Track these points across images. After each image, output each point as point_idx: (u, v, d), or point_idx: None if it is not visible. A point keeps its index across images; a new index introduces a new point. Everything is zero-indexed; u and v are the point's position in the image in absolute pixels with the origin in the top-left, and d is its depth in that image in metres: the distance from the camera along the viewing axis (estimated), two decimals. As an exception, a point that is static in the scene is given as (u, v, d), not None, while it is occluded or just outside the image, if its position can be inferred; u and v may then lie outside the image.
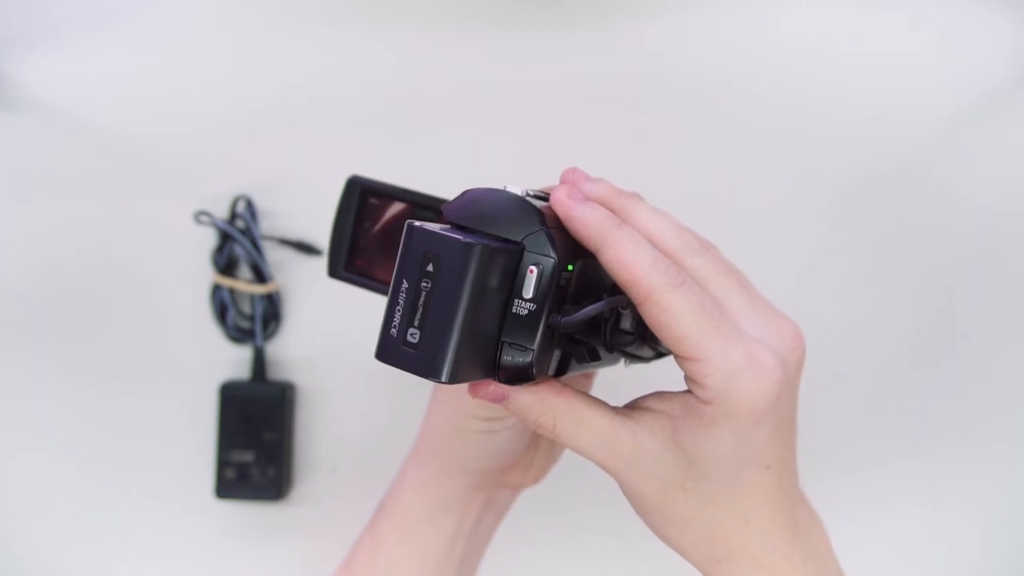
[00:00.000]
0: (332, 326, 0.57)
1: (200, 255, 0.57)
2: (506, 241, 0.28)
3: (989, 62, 0.58)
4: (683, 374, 0.30)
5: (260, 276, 0.56)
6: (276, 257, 0.57)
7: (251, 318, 0.57)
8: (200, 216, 0.56)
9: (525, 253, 0.28)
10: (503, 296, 0.28)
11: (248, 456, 0.55)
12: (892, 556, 0.57)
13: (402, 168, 0.58)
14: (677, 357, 0.29)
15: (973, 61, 0.59)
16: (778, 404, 0.29)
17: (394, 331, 0.27)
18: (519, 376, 0.29)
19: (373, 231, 0.41)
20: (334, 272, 0.41)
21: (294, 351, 0.58)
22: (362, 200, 0.42)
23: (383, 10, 0.58)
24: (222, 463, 0.55)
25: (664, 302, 0.28)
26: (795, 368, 0.30)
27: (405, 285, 0.27)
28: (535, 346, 0.29)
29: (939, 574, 0.57)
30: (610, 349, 0.33)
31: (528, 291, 0.28)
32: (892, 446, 0.58)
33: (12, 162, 0.58)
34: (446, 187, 0.57)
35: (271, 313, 0.57)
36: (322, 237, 0.57)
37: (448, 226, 0.29)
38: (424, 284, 0.27)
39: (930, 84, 0.59)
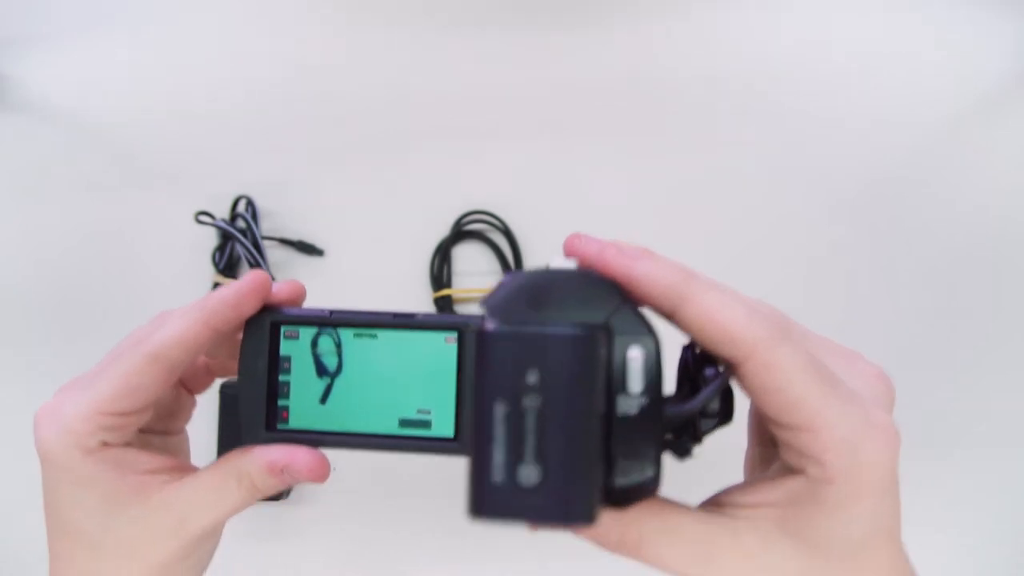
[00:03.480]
0: (332, 326, 0.57)
1: (201, 255, 0.57)
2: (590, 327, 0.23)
3: (990, 62, 0.58)
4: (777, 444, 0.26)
5: (260, 276, 0.56)
6: (276, 257, 0.57)
7: (251, 318, 0.57)
8: (201, 216, 0.56)
9: (616, 337, 0.23)
10: (604, 396, 0.23)
11: (248, 456, 0.55)
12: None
13: (402, 168, 0.58)
14: (779, 427, 0.24)
15: (975, 61, 0.59)
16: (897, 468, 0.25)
17: (498, 477, 0.21)
18: (638, 496, 0.23)
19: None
20: (253, 437, 0.32)
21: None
22: (274, 337, 0.32)
23: (384, 11, 0.58)
24: (222, 463, 0.55)
25: (772, 359, 0.23)
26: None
27: (502, 410, 0.21)
28: (656, 454, 0.23)
29: (948, 573, 0.57)
30: (697, 439, 0.27)
31: (635, 383, 0.23)
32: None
33: (12, 162, 0.58)
34: (448, 188, 0.57)
35: (271, 313, 0.57)
36: (323, 237, 0.57)
37: (510, 324, 0.23)
38: (529, 401, 0.21)
39: (932, 85, 0.59)
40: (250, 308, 0.31)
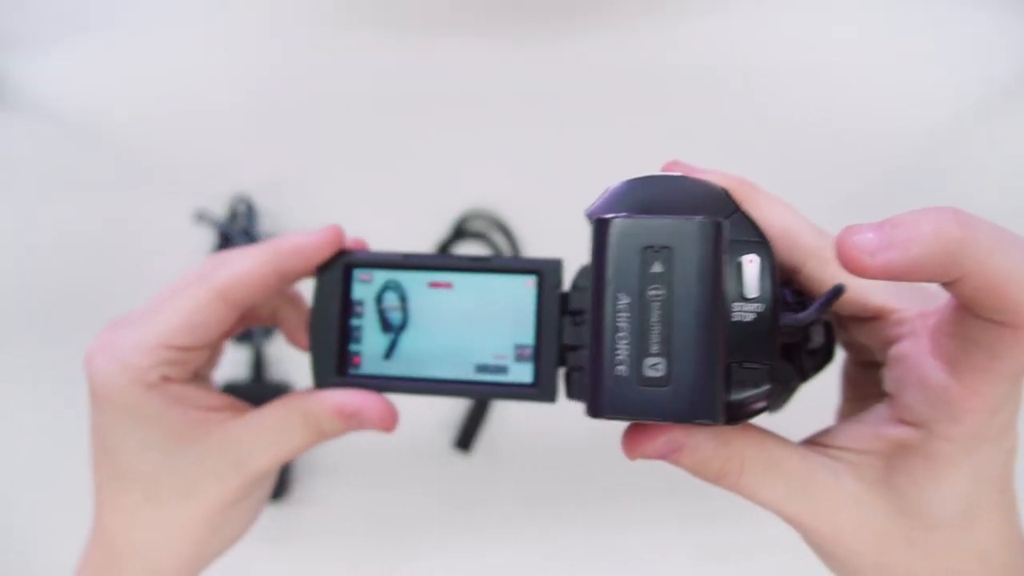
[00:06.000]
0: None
1: (200, 255, 0.57)
2: None
3: (991, 62, 0.58)
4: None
5: (260, 276, 0.56)
6: (276, 257, 0.57)
7: (251, 318, 0.57)
8: (200, 216, 0.56)
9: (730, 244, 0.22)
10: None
11: (248, 456, 0.55)
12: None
13: (402, 168, 0.58)
14: (930, 389, 0.23)
15: (975, 61, 0.59)
16: None
17: (621, 369, 0.20)
18: (751, 409, 0.22)
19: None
20: (324, 381, 0.31)
21: (294, 351, 0.57)
22: (347, 280, 0.31)
23: (383, 11, 0.58)
24: (222, 463, 0.55)
25: None
26: None
27: (624, 300, 0.20)
28: (772, 361, 0.22)
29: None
30: (805, 376, 0.26)
31: (751, 288, 0.22)
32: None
33: (12, 162, 0.58)
34: (448, 187, 0.57)
35: (271, 313, 0.57)
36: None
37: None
38: (654, 292, 0.20)
39: (932, 84, 0.59)
40: (320, 259, 0.30)
